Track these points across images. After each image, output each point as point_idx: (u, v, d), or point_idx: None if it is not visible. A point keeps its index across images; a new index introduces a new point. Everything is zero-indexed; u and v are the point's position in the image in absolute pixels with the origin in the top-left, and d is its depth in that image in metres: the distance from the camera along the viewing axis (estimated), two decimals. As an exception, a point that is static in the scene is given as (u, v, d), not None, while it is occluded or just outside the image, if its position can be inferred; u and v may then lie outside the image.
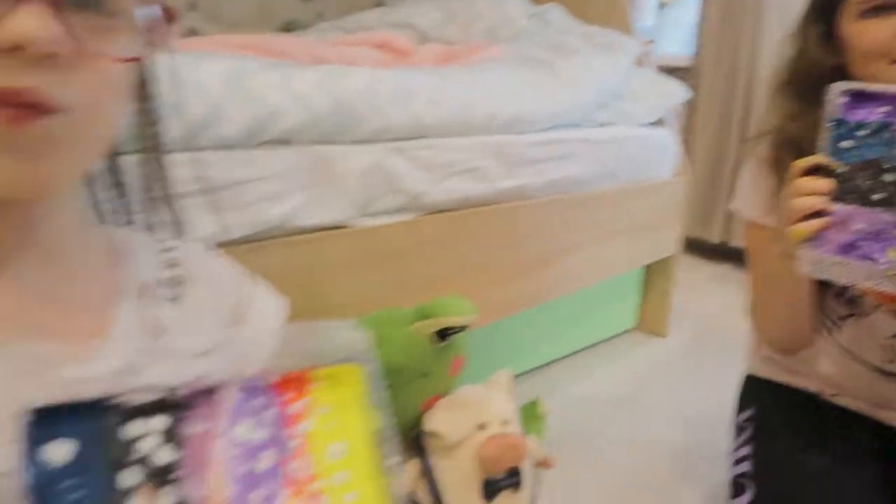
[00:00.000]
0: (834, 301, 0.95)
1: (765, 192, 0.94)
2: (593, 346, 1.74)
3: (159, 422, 0.40)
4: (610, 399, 1.50)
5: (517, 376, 1.39)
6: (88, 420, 0.38)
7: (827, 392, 1.01)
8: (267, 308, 0.56)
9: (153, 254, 0.51)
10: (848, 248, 0.71)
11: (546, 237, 1.29)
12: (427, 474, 0.91)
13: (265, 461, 0.43)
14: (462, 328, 0.85)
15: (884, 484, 0.91)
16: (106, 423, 0.39)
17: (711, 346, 1.79)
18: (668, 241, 1.74)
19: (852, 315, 0.95)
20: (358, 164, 0.86)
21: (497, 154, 1.12)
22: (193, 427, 0.42)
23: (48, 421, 0.37)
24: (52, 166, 0.40)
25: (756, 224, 0.96)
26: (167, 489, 0.39)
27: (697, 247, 2.64)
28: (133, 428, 0.40)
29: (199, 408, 0.42)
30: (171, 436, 0.40)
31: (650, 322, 1.86)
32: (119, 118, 0.44)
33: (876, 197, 0.71)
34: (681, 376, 1.61)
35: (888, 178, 0.71)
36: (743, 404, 1.04)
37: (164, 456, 0.40)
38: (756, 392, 1.06)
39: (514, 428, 0.91)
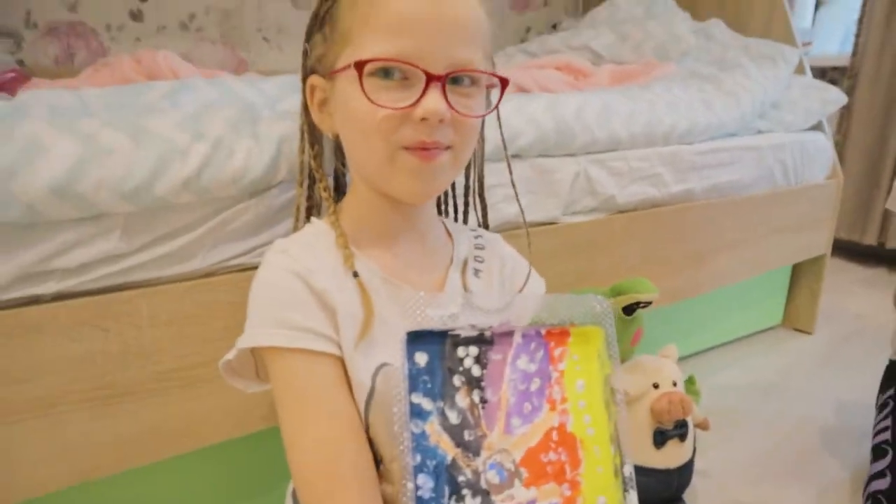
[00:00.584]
0: None
1: None
2: (742, 338, 1.86)
3: (474, 349, 0.65)
4: (757, 385, 1.61)
5: (686, 368, 1.57)
6: (437, 343, 0.63)
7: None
8: (535, 283, 0.79)
9: (468, 238, 0.76)
10: None
11: (708, 235, 1.46)
12: (610, 424, 1.12)
13: (534, 385, 0.67)
14: (647, 304, 1.05)
15: None
16: (447, 345, 0.63)
17: (858, 342, 1.85)
18: (818, 242, 1.83)
19: None
20: (568, 173, 1.09)
21: (671, 162, 1.31)
22: (494, 356, 0.66)
23: (417, 339, 0.62)
24: (439, 184, 0.65)
25: None
26: (476, 391, 0.63)
27: (850, 249, 2.65)
28: (461, 351, 0.64)
29: (498, 344, 0.66)
30: (480, 359, 0.65)
31: (797, 319, 1.94)
32: (473, 150, 0.69)
33: None
34: (827, 368, 1.69)
35: None
36: (885, 385, 1.17)
37: (476, 371, 0.65)
38: None
39: (682, 390, 1.10)
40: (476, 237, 0.77)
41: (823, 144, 1.78)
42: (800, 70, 1.84)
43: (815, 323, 1.92)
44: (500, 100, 0.66)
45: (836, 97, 1.78)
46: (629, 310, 1.06)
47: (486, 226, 0.82)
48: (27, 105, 0.73)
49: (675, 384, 1.08)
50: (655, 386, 1.07)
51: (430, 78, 0.58)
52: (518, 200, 0.78)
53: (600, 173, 1.15)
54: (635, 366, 1.10)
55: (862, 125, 2.67)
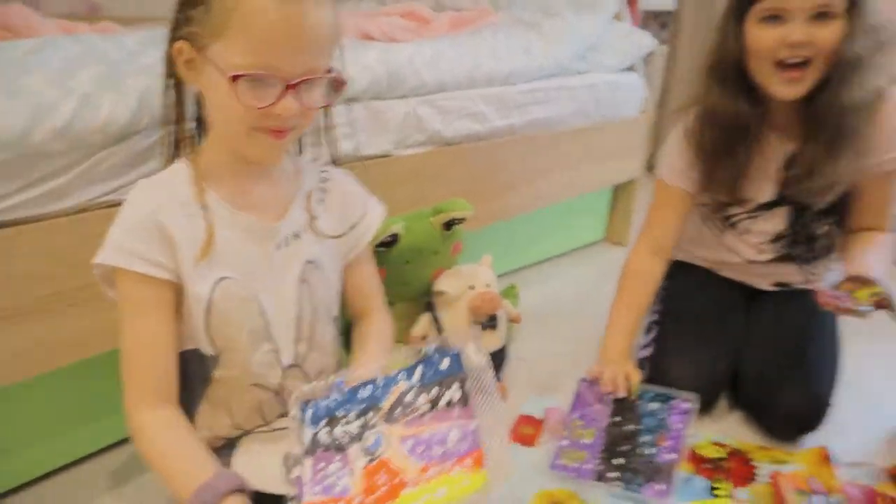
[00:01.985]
0: (720, 221, 1.39)
1: (682, 161, 1.32)
2: (568, 252, 2.18)
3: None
4: (576, 290, 1.93)
5: (506, 273, 1.83)
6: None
7: (713, 266, 1.48)
8: (374, 213, 0.98)
9: (315, 173, 0.94)
10: None
11: (528, 163, 1.72)
12: (435, 321, 1.37)
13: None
14: (462, 220, 1.29)
15: (744, 319, 1.41)
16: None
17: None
18: (632, 168, 2.15)
19: (732, 227, 1.38)
20: (398, 113, 1.29)
21: (494, 101, 1.54)
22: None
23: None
24: (285, 152, 0.84)
25: (664, 184, 1.36)
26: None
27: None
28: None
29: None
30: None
31: (615, 234, 2.29)
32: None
33: None
34: None
35: None
36: (666, 278, 1.44)
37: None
38: (672, 272, 1.47)
39: (494, 290, 1.36)
40: (322, 172, 0.94)
41: (636, 84, 2.07)
42: (618, 17, 2.11)
43: (629, 237, 2.27)
44: (334, 101, 0.84)
45: (647, 42, 2.06)
46: (448, 225, 1.30)
47: (335, 162, 0.98)
48: None
49: (488, 286, 1.34)
50: (472, 287, 1.32)
51: (288, 86, 0.73)
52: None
53: (429, 112, 1.37)
54: (456, 272, 1.35)
55: (685, 64, 3.02)
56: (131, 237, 0.76)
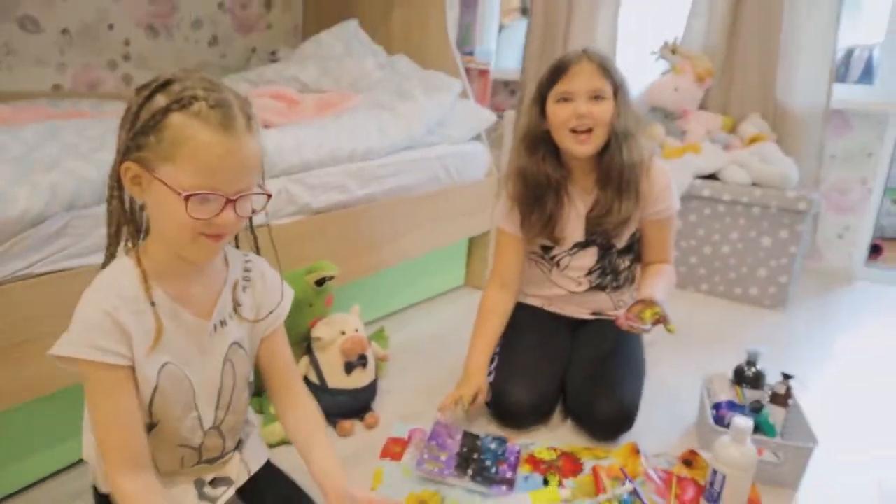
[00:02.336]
0: (545, 261, 1.72)
1: (514, 218, 1.70)
2: (433, 297, 2.46)
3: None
4: (439, 331, 2.20)
5: (378, 319, 2.07)
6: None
7: (543, 304, 1.80)
8: (287, 296, 1.13)
9: (240, 261, 1.07)
10: None
11: (389, 226, 1.99)
12: (314, 363, 1.59)
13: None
14: (331, 277, 1.54)
15: (568, 345, 1.73)
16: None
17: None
18: (483, 222, 2.47)
19: (558, 268, 1.72)
20: (273, 189, 1.53)
21: (356, 175, 1.81)
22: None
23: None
24: (219, 251, 1.00)
25: (501, 230, 1.73)
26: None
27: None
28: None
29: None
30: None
31: (474, 279, 2.60)
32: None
33: None
34: None
35: None
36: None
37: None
38: (514, 312, 1.79)
39: (362, 334, 1.61)
40: (246, 261, 1.09)
41: (481, 151, 2.41)
42: (464, 95, 2.46)
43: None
44: (263, 208, 0.99)
45: (487, 116, 2.42)
46: (320, 282, 1.54)
47: (256, 250, 1.11)
48: None
49: (356, 331, 1.58)
50: (343, 333, 1.56)
51: (228, 201, 0.89)
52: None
53: (298, 188, 1.62)
54: (329, 321, 1.59)
55: (528, 127, 3.43)
56: (95, 335, 0.89)
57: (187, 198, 0.85)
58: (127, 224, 0.95)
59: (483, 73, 3.45)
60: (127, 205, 0.95)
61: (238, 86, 2.23)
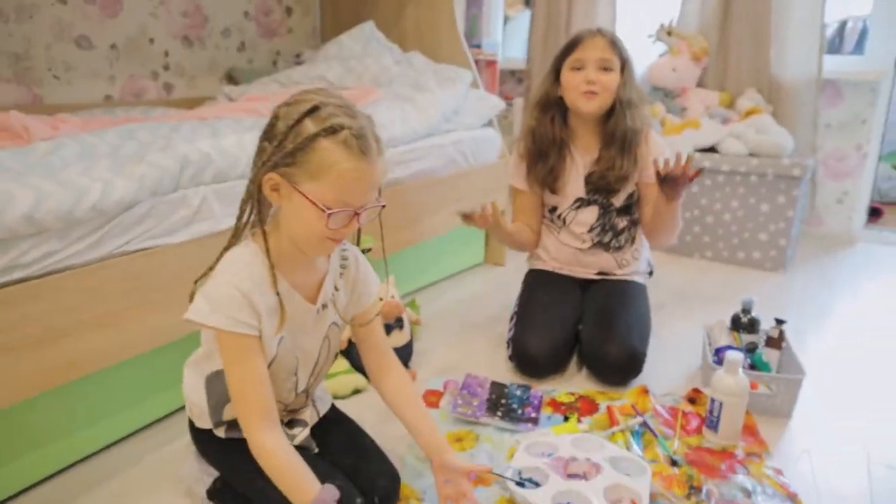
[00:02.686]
0: (555, 218, 1.93)
1: (521, 172, 1.94)
2: (456, 273, 2.67)
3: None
4: (463, 300, 2.42)
5: (409, 293, 2.28)
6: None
7: (555, 267, 2.00)
8: (377, 286, 1.30)
9: (338, 252, 1.21)
10: None
11: (413, 206, 2.20)
12: (357, 327, 1.80)
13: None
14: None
15: (579, 302, 1.93)
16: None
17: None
18: (498, 201, 2.67)
19: (565, 225, 1.93)
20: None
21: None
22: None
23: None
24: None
25: (516, 188, 1.95)
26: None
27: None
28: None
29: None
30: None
31: (493, 256, 2.81)
32: None
33: None
34: (514, 286, 2.25)
35: None
36: (523, 281, 2.01)
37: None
38: (527, 276, 2.02)
39: (398, 300, 1.82)
40: (343, 251, 1.23)
41: (493, 136, 2.61)
42: (475, 85, 2.66)
43: (505, 258, 2.80)
44: (378, 215, 1.12)
45: (497, 103, 2.62)
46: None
47: (357, 241, 1.26)
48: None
49: (392, 297, 1.80)
50: (381, 299, 1.77)
51: (356, 213, 1.03)
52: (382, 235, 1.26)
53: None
54: (368, 289, 1.80)
55: (537, 113, 3.62)
56: (233, 308, 1.03)
57: (329, 214, 0.99)
58: (257, 219, 1.08)
59: (491, 63, 3.64)
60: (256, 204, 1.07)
61: (269, 87, 2.45)
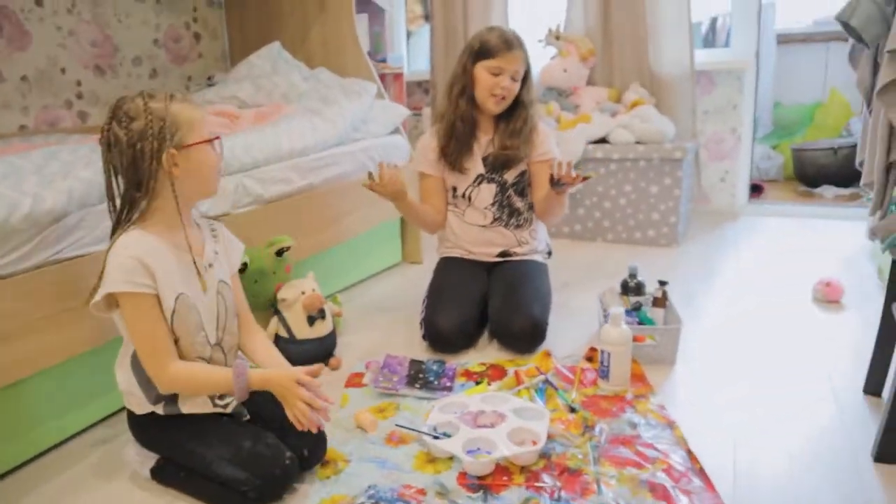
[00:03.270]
0: (459, 199, 2.13)
1: (430, 154, 2.15)
2: (376, 273, 2.82)
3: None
4: (383, 296, 2.59)
5: (331, 294, 2.43)
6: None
7: (462, 253, 2.20)
8: (240, 248, 1.53)
9: (207, 225, 1.46)
10: None
11: (328, 210, 2.36)
12: (282, 320, 1.94)
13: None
14: (288, 248, 1.90)
15: (485, 283, 2.13)
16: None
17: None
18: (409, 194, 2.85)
19: (470, 203, 2.13)
20: (231, 185, 1.89)
21: (296, 169, 2.17)
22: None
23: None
24: None
25: (423, 173, 2.16)
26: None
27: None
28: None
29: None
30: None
31: (410, 255, 2.98)
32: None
33: None
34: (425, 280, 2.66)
35: None
36: (434, 268, 2.21)
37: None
38: (438, 263, 2.22)
39: (319, 292, 1.97)
40: (211, 225, 1.47)
41: (401, 142, 2.80)
42: (380, 96, 2.84)
43: (422, 255, 2.98)
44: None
45: (401, 112, 2.81)
46: (279, 253, 1.91)
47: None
48: None
49: (313, 290, 1.95)
50: (303, 293, 1.93)
51: (217, 137, 1.34)
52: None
53: (251, 182, 1.98)
54: (291, 285, 1.95)
55: (445, 120, 3.83)
56: (128, 273, 1.22)
57: (213, 141, 1.32)
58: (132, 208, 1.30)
59: (397, 76, 3.84)
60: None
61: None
